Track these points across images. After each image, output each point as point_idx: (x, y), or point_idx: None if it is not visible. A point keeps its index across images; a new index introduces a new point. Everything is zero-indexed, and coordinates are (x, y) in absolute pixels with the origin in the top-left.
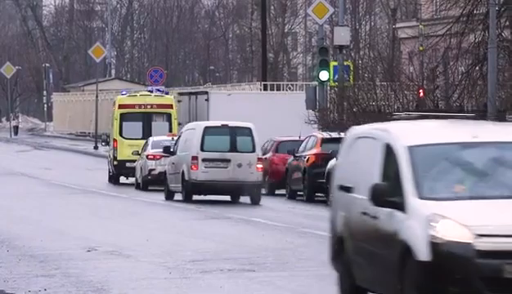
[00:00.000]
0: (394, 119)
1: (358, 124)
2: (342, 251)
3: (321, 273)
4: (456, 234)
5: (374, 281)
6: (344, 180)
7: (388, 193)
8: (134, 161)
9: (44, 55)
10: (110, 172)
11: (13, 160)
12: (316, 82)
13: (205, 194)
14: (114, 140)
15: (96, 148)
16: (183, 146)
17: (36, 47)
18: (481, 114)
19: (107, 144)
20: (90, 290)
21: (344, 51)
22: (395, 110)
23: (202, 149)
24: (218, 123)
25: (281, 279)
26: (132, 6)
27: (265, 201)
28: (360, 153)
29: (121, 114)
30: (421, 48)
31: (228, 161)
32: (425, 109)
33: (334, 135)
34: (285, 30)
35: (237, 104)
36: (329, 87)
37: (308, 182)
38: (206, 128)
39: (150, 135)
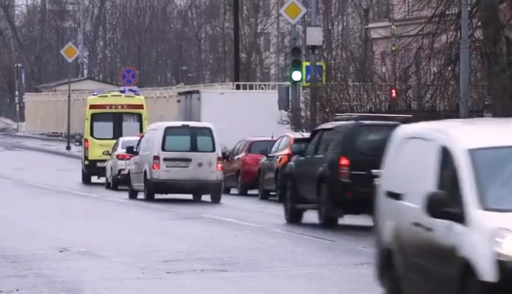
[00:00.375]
0: (335, 120)
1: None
2: (390, 265)
3: (293, 274)
4: None
5: None
6: (393, 186)
7: (446, 203)
8: (105, 161)
9: (16, 55)
10: (83, 172)
11: None
12: (289, 83)
13: (167, 193)
14: (86, 140)
15: (68, 148)
16: (146, 146)
17: (8, 47)
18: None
19: (81, 144)
20: (63, 290)
21: (317, 52)
22: (367, 111)
23: (163, 149)
24: (179, 124)
25: (254, 279)
26: (105, 6)
27: (237, 201)
28: (411, 155)
29: (92, 115)
30: (393, 48)
31: (189, 160)
32: (398, 109)
33: (307, 135)
34: (258, 30)
35: (229, 103)
36: (301, 88)
37: (281, 182)
38: (167, 128)
39: (121, 136)
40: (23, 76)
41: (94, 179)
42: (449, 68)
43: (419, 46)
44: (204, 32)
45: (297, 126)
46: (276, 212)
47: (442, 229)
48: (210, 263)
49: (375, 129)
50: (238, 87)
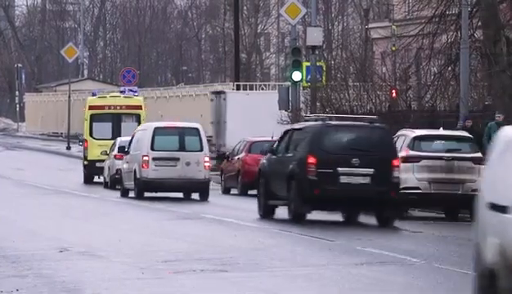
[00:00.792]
0: (305, 120)
1: None
2: (493, 289)
3: (293, 274)
4: None
5: None
6: (497, 197)
7: None
8: (103, 161)
9: (16, 56)
10: (84, 172)
11: None
12: (289, 83)
13: (156, 191)
14: (85, 141)
15: (68, 148)
16: (136, 146)
17: (8, 48)
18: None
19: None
20: (63, 290)
21: (317, 52)
22: (367, 111)
23: (152, 149)
24: (168, 124)
25: (253, 279)
26: (105, 6)
27: (238, 201)
28: None
29: (91, 115)
30: (394, 48)
31: (177, 159)
32: (398, 110)
33: None
34: (258, 31)
35: (254, 104)
36: (301, 88)
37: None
38: (156, 129)
39: (120, 136)
40: (23, 76)
41: (96, 179)
42: (449, 68)
43: (419, 46)
44: (204, 32)
45: None
46: (276, 212)
47: None
48: (210, 263)
49: (341, 129)
50: (238, 88)
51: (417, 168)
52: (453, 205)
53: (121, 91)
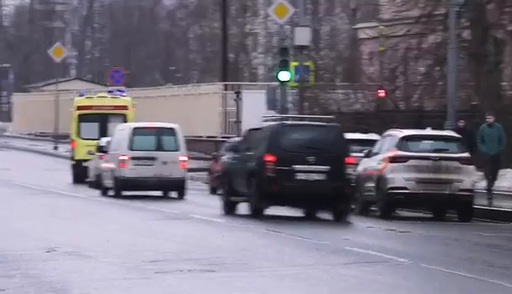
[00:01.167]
0: (265, 120)
1: None
2: None
3: (281, 274)
4: None
5: None
6: None
7: None
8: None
9: (4, 56)
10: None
11: None
12: (277, 83)
13: (134, 190)
14: (73, 141)
15: (55, 148)
16: (115, 146)
17: None
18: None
19: None
20: (50, 290)
21: (305, 52)
22: (355, 111)
23: (130, 148)
24: (146, 124)
25: (241, 279)
26: (93, 6)
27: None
28: None
29: (79, 115)
30: (381, 48)
31: (154, 159)
32: (385, 109)
33: None
34: (246, 30)
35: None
36: (289, 88)
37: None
38: (135, 129)
39: (106, 136)
40: (11, 76)
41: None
42: (437, 68)
43: (406, 46)
44: (192, 32)
45: None
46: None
47: None
48: (198, 263)
49: (297, 129)
50: (226, 88)
51: (405, 168)
52: (441, 205)
53: (109, 92)
